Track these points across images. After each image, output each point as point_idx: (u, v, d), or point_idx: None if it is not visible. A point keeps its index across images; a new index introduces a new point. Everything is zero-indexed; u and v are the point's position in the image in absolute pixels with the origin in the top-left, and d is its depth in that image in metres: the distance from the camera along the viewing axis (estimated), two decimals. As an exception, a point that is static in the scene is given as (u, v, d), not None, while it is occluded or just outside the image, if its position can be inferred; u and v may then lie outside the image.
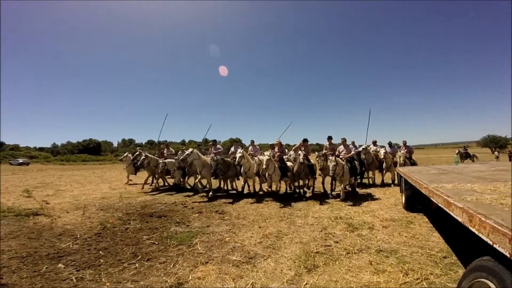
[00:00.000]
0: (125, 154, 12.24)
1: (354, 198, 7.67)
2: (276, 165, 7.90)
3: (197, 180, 8.60)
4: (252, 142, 10.13)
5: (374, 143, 11.20)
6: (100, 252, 3.67)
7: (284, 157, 8.63)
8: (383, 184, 10.21)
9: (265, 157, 7.58)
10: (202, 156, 8.62)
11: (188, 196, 8.64)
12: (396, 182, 9.74)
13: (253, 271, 3.25)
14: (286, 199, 7.65)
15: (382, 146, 10.84)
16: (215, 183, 9.75)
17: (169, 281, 2.93)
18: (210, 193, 8.42)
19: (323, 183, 8.79)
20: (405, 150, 10.53)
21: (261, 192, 9.20)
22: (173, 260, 3.49)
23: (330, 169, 7.22)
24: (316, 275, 3.12)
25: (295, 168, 8.25)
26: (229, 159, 8.86)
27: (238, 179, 9.49)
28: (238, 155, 7.97)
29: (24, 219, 5.53)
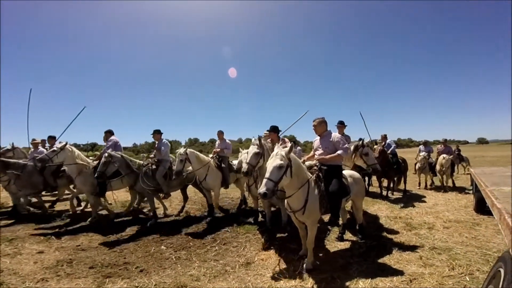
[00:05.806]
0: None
1: (417, 198, 7.51)
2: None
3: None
4: (220, 133, 6.55)
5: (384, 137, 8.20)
6: (189, 236, 4.75)
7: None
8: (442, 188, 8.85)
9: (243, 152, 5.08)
10: (78, 154, 5.61)
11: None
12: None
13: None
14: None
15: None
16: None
17: (240, 261, 3.73)
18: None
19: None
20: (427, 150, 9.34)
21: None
22: (243, 245, 4.32)
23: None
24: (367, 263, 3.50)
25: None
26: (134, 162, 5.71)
27: (166, 196, 5.91)
28: (179, 152, 5.22)
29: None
